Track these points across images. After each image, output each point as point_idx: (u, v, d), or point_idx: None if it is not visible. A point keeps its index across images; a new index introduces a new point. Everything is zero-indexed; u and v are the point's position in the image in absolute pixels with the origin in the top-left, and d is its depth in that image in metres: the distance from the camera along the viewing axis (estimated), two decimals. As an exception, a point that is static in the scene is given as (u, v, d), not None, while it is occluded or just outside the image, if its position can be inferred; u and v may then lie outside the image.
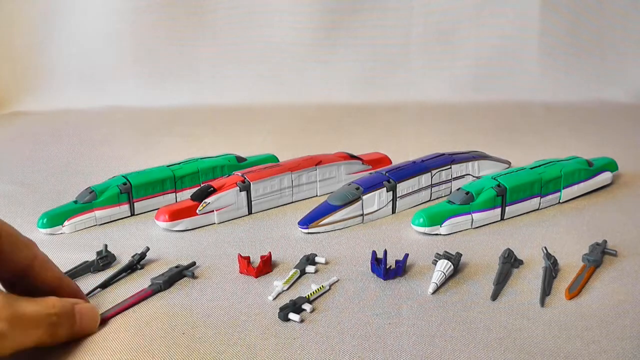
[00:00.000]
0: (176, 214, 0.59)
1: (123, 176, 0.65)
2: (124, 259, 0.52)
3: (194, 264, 0.51)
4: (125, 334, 0.41)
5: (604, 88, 1.27)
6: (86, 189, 0.63)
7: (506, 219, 0.61)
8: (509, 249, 0.51)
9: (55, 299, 0.39)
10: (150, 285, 0.47)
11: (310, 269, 0.50)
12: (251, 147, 0.81)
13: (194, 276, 0.49)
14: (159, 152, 0.91)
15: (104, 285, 0.48)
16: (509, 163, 0.75)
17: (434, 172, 0.66)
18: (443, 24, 1.34)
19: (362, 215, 0.61)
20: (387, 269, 0.49)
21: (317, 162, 0.68)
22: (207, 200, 0.61)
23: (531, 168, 0.64)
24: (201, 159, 0.71)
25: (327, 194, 0.67)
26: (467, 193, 0.60)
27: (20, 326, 0.35)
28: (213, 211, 0.61)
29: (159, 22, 1.34)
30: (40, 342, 0.37)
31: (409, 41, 1.34)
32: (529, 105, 1.19)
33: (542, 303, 0.45)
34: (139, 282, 0.49)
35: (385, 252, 0.49)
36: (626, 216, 0.62)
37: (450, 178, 0.68)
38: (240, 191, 0.63)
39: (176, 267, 0.50)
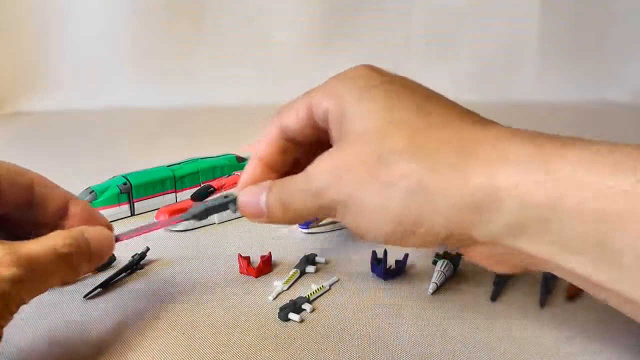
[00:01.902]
0: (176, 214, 0.59)
1: (123, 176, 0.65)
2: (124, 259, 0.52)
3: (235, 200, 0.41)
4: (125, 333, 0.41)
5: (604, 88, 1.27)
6: (86, 189, 0.63)
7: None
8: (509, 249, 0.51)
9: (59, 232, 0.36)
10: (184, 214, 0.43)
11: (310, 269, 0.50)
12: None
13: (235, 211, 0.41)
14: (159, 152, 0.91)
15: (104, 285, 0.48)
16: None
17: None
18: (443, 23, 1.34)
19: (362, 215, 0.61)
20: (387, 269, 0.49)
21: (317, 162, 0.68)
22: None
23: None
24: (201, 159, 0.71)
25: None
26: None
27: (32, 268, 0.33)
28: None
29: (159, 22, 1.34)
30: (61, 280, 0.35)
31: (409, 41, 1.35)
32: (529, 105, 1.19)
33: (542, 303, 0.45)
34: (139, 282, 0.49)
35: (385, 252, 0.49)
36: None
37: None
38: (240, 191, 0.63)
39: (225, 196, 0.42)
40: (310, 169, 0.36)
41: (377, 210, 0.33)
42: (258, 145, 0.42)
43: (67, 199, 0.40)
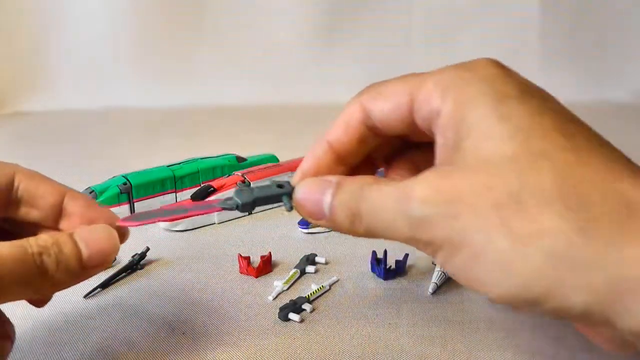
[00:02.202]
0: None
1: (123, 176, 0.65)
2: (124, 259, 0.52)
3: (291, 193, 0.33)
4: (125, 333, 0.41)
5: (604, 88, 1.27)
6: (86, 188, 0.63)
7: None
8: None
9: (41, 235, 0.30)
10: (222, 202, 0.34)
11: (310, 269, 0.50)
12: (251, 147, 0.81)
13: (290, 208, 0.33)
14: (159, 152, 0.91)
15: (104, 285, 0.48)
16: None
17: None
18: (443, 23, 1.34)
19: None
20: (387, 269, 0.49)
21: (317, 162, 0.68)
22: (207, 200, 0.61)
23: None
24: (201, 159, 0.71)
25: (327, 194, 0.67)
26: None
27: None
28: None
29: (159, 22, 1.34)
30: (33, 291, 0.30)
31: (409, 41, 1.35)
32: (529, 105, 1.19)
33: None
34: (139, 282, 0.49)
35: (385, 252, 0.49)
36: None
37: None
38: (240, 191, 0.63)
39: (279, 185, 0.34)
40: (412, 185, 0.28)
41: (500, 267, 0.26)
42: (333, 126, 0.34)
43: (62, 194, 0.34)
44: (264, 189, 0.33)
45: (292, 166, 0.67)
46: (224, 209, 0.34)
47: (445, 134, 0.29)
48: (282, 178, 0.65)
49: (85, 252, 0.31)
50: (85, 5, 1.33)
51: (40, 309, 0.42)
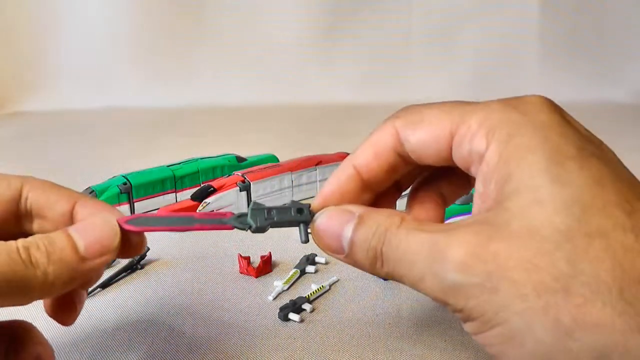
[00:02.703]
0: (176, 214, 0.59)
1: (123, 176, 0.65)
2: (124, 259, 0.52)
3: (309, 220, 0.31)
4: (125, 333, 0.41)
5: (604, 88, 1.27)
6: (86, 189, 0.63)
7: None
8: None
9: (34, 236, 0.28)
10: (233, 219, 0.31)
11: (310, 269, 0.50)
12: (251, 147, 0.81)
13: (306, 240, 0.31)
14: (159, 152, 0.91)
15: (104, 285, 0.48)
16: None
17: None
18: (443, 23, 1.34)
19: (362, 215, 0.61)
20: (387, 269, 0.49)
21: (317, 162, 0.68)
22: (207, 200, 0.61)
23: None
24: (201, 159, 0.71)
25: (327, 194, 0.67)
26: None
27: None
28: (213, 211, 0.61)
29: (159, 22, 1.34)
30: (27, 290, 0.27)
31: (409, 41, 1.35)
32: (529, 105, 1.19)
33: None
34: (139, 282, 0.49)
35: (385, 252, 0.49)
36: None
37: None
38: (241, 191, 0.63)
39: (298, 210, 0.31)
40: (447, 242, 0.25)
41: (540, 357, 0.24)
42: (361, 150, 0.31)
43: (72, 202, 0.32)
44: (281, 213, 0.31)
45: (292, 166, 0.67)
46: (235, 227, 0.31)
47: (487, 184, 0.27)
48: (283, 179, 0.65)
49: (80, 242, 0.28)
50: (85, 6, 1.33)
51: (40, 309, 0.41)
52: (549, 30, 1.31)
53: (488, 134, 0.27)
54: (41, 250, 0.27)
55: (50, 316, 0.33)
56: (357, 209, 0.29)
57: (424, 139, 0.29)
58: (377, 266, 0.28)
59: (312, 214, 0.31)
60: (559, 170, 0.24)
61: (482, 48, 1.33)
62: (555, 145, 0.25)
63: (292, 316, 0.42)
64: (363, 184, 0.31)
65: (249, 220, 0.31)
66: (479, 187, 0.27)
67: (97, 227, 0.29)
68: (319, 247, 0.30)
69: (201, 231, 0.31)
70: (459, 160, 0.29)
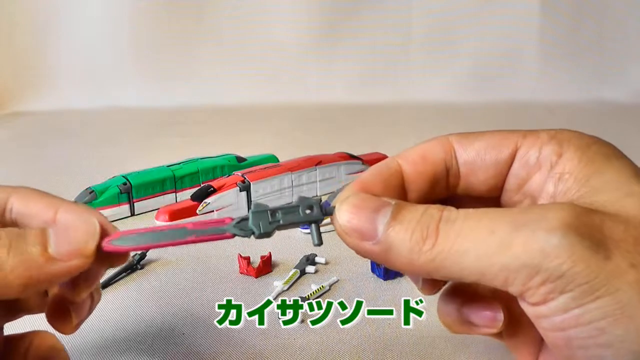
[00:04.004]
0: (176, 214, 0.59)
1: (123, 176, 0.65)
2: (124, 259, 0.52)
3: (321, 218, 0.29)
4: (125, 333, 0.41)
5: (604, 88, 1.27)
6: (86, 189, 0.63)
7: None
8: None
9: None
10: (233, 225, 0.28)
11: (310, 269, 0.50)
12: (251, 147, 0.81)
13: (319, 243, 0.28)
14: (159, 152, 0.91)
15: (104, 285, 0.48)
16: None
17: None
18: (443, 23, 1.34)
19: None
20: (387, 269, 0.49)
21: (317, 162, 0.68)
22: (207, 200, 0.61)
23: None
24: (201, 159, 0.71)
25: (327, 194, 0.67)
26: None
27: None
28: (213, 211, 0.61)
29: (159, 22, 1.34)
30: None
31: (409, 41, 1.35)
32: (529, 106, 1.19)
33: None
34: (139, 282, 0.49)
35: (385, 252, 0.49)
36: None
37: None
38: (240, 191, 0.63)
39: (308, 207, 0.29)
40: (540, 211, 0.24)
41: None
42: (409, 151, 0.30)
43: (54, 209, 0.30)
44: (288, 214, 0.28)
45: (292, 166, 0.67)
46: (235, 235, 0.28)
47: (563, 183, 0.27)
48: (283, 179, 0.65)
49: (53, 241, 0.26)
50: (85, 6, 1.33)
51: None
52: (549, 30, 1.31)
53: (563, 143, 0.27)
54: (2, 242, 0.26)
55: (50, 324, 0.33)
56: (395, 202, 0.26)
57: (484, 147, 0.29)
58: (423, 248, 0.24)
59: (323, 211, 0.28)
60: (636, 173, 0.26)
61: (482, 48, 1.33)
62: (625, 159, 0.27)
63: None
64: (402, 184, 0.29)
65: (251, 225, 0.28)
66: (548, 188, 0.27)
67: (74, 227, 0.27)
68: (342, 231, 0.26)
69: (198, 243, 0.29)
70: (521, 169, 0.28)
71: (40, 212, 0.30)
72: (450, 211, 0.25)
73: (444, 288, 0.31)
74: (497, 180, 0.29)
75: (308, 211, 0.28)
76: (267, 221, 0.28)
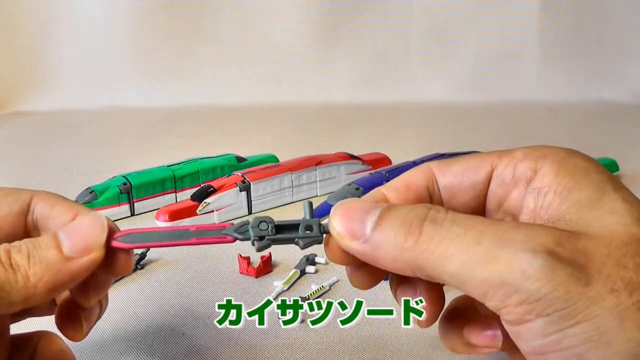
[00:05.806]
0: (176, 214, 0.59)
1: (123, 176, 0.65)
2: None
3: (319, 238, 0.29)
4: (125, 333, 0.41)
5: (604, 88, 1.27)
6: (86, 189, 0.63)
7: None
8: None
9: None
10: (237, 230, 0.30)
11: (310, 269, 0.50)
12: (251, 147, 0.81)
13: (304, 246, 0.30)
14: (159, 152, 0.91)
15: (104, 285, 0.48)
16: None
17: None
18: (443, 24, 1.34)
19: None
20: (387, 269, 0.49)
21: (317, 162, 0.68)
22: (207, 200, 0.61)
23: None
24: (201, 159, 0.71)
25: (327, 194, 0.67)
26: None
27: None
28: (213, 211, 0.61)
29: (159, 22, 1.34)
30: (11, 297, 0.26)
31: (409, 41, 1.35)
32: (529, 106, 1.19)
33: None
34: (139, 282, 0.49)
35: (385, 252, 0.49)
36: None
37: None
38: (240, 191, 0.63)
39: (307, 227, 0.29)
40: (525, 231, 0.24)
41: (626, 358, 0.23)
42: (393, 180, 0.31)
43: (74, 214, 0.31)
44: (286, 232, 0.29)
45: (292, 166, 0.67)
46: (236, 239, 0.30)
47: (541, 197, 0.27)
48: (283, 179, 0.65)
49: (65, 241, 0.27)
50: (85, 5, 1.33)
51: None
52: (549, 30, 1.31)
53: (537, 159, 0.28)
54: (22, 252, 0.27)
55: (60, 330, 0.33)
56: (385, 204, 0.27)
57: (461, 170, 0.30)
58: (405, 245, 0.25)
59: (322, 231, 0.29)
60: (622, 192, 0.26)
61: (482, 48, 1.33)
62: (605, 172, 0.27)
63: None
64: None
65: (252, 238, 0.29)
66: (528, 203, 0.28)
67: (82, 224, 0.28)
68: (336, 233, 0.27)
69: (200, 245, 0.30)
70: (498, 188, 0.29)
71: (61, 215, 0.31)
72: (437, 211, 0.26)
73: (443, 312, 0.31)
74: (478, 202, 0.30)
75: (307, 232, 0.29)
76: (264, 242, 0.29)
